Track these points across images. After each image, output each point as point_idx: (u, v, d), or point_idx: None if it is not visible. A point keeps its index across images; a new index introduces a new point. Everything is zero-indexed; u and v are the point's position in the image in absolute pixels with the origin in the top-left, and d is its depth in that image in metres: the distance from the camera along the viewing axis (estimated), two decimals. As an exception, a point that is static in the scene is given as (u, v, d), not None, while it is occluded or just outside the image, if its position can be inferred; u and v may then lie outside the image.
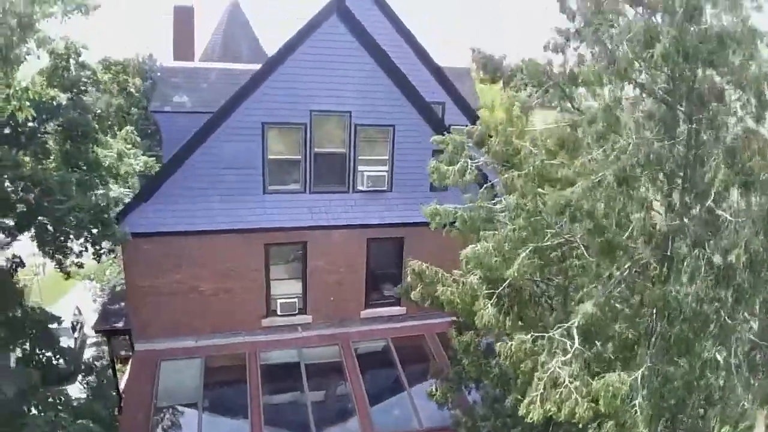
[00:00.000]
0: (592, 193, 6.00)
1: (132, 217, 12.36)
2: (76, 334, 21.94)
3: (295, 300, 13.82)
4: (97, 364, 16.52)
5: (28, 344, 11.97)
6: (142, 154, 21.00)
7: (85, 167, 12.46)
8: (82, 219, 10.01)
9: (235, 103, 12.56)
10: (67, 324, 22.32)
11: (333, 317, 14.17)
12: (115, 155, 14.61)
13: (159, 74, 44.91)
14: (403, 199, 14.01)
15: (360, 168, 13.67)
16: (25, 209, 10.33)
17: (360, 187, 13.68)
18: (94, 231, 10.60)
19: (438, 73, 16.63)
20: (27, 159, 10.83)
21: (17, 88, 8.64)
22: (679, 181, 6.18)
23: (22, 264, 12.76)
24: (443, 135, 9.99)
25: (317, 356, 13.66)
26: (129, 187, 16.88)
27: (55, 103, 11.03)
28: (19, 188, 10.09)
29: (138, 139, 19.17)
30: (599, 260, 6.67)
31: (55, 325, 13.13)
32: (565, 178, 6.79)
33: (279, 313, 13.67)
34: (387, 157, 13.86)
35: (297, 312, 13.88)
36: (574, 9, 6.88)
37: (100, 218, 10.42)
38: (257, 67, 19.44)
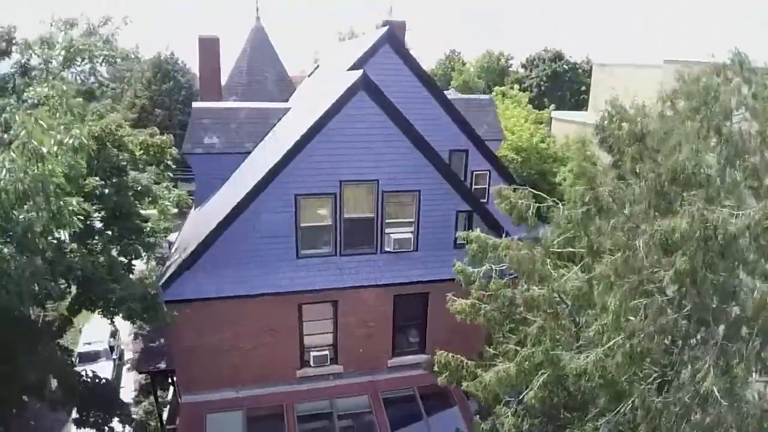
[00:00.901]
0: (603, 362, 6.69)
1: (176, 287, 13.32)
2: (113, 357, 23.34)
3: (327, 352, 14.77)
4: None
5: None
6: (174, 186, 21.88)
7: (129, 237, 13.35)
8: (134, 309, 10.96)
9: (269, 179, 13.24)
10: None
11: (362, 366, 15.13)
12: (157, 214, 15.46)
13: (182, 78, 45.17)
14: (428, 258, 14.73)
15: (387, 230, 14.39)
16: (77, 295, 11.25)
17: (387, 249, 14.43)
18: (144, 316, 11.52)
19: (462, 122, 17.10)
20: (74, 245, 11.58)
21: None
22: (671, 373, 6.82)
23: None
24: (468, 230, 10.62)
25: (349, 407, 14.69)
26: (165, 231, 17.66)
27: (98, 192, 11.74)
28: (70, 278, 10.90)
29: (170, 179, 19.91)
30: (607, 402, 7.40)
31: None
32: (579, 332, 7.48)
33: (312, 364, 14.65)
34: (413, 220, 14.54)
35: (329, 363, 14.85)
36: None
37: (151, 304, 11.35)
38: (284, 105, 20.21)
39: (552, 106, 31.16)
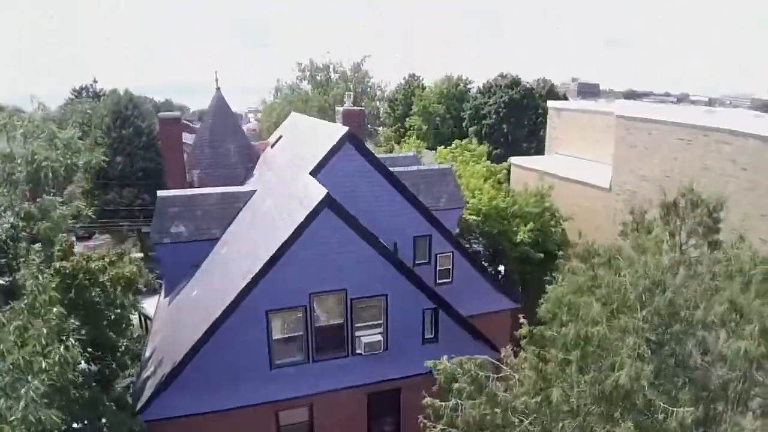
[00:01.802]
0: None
1: (155, 406, 13.55)
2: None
3: (306, 452, 15.16)
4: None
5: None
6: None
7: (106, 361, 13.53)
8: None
9: (240, 298, 13.59)
10: None
11: (341, 463, 15.56)
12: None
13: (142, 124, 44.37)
14: (398, 355, 15.29)
15: (357, 334, 14.90)
16: None
17: (359, 351, 14.91)
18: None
19: (423, 209, 17.75)
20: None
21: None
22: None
23: None
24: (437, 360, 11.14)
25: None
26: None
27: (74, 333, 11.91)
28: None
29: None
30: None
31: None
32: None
33: (292, 466, 15.02)
34: (381, 321, 15.07)
35: (308, 463, 15.23)
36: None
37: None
38: (249, 189, 20.52)
39: (510, 160, 32.09)
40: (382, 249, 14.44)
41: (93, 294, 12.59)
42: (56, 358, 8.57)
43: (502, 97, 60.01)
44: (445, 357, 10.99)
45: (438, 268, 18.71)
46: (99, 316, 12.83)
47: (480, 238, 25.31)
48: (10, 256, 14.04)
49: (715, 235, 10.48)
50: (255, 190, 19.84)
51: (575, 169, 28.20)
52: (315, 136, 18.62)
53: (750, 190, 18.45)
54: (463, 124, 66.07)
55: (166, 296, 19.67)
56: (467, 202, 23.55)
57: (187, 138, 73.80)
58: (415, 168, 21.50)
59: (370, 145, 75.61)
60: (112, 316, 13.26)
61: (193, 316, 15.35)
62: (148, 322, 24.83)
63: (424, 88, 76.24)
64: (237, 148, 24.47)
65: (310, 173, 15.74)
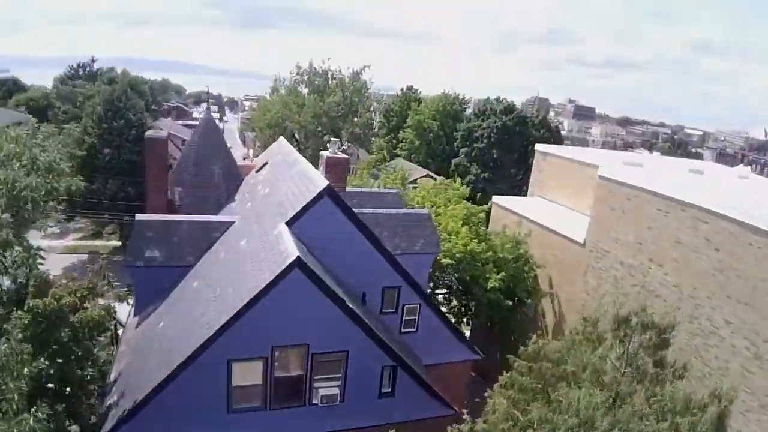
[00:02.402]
0: None
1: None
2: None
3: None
4: None
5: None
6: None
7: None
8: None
9: (204, 348, 13.94)
10: None
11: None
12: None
13: (133, 117, 44.11)
14: (355, 408, 15.76)
15: (316, 385, 15.33)
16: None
17: (315, 401, 15.35)
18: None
19: (394, 262, 18.19)
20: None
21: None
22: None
23: None
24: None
25: None
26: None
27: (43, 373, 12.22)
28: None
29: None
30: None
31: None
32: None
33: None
34: (340, 375, 15.52)
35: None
36: None
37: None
38: (226, 219, 20.84)
39: (492, 199, 32.60)
40: (347, 309, 14.85)
41: (62, 334, 12.90)
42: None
43: (495, 122, 60.64)
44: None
45: (404, 318, 19.18)
46: (67, 352, 13.14)
47: (452, 277, 25.85)
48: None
49: (664, 351, 11.01)
50: (233, 221, 20.17)
51: (554, 217, 28.81)
52: (297, 178, 18.97)
53: (719, 271, 19.07)
54: (455, 144, 66.63)
55: (135, 315, 19.96)
56: (444, 244, 24.07)
57: (183, 132, 73.67)
58: (394, 212, 21.91)
59: (362, 153, 75.90)
60: (80, 353, 13.56)
61: (157, 353, 15.69)
62: (119, 328, 25.04)
63: (420, 102, 76.67)
64: (222, 169, 24.79)
65: (287, 222, 16.13)
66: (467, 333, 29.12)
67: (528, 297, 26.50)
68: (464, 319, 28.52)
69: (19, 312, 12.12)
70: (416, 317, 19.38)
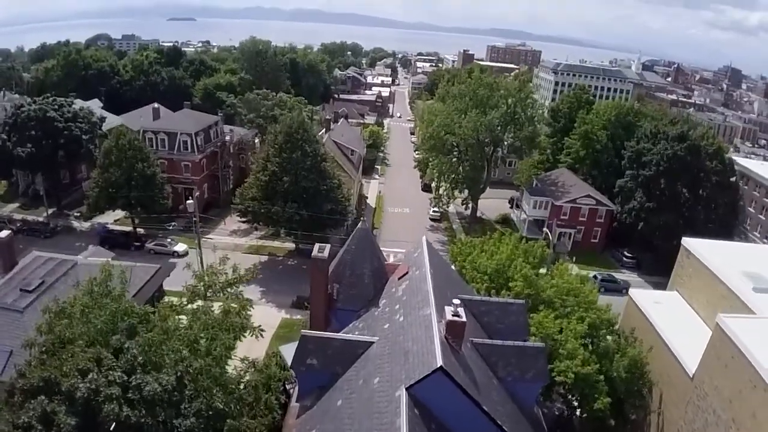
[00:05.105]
0: None
1: None
2: None
3: None
4: None
5: None
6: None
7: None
8: None
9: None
10: None
11: None
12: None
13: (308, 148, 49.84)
14: None
15: None
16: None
17: None
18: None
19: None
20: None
21: None
22: None
23: None
24: None
25: None
26: None
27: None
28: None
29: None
30: None
31: None
32: None
33: None
34: None
35: None
36: None
37: None
38: (367, 339, 25.38)
39: (630, 293, 33.15)
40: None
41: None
42: None
43: (666, 149, 57.63)
44: None
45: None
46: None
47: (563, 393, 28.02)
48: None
49: None
50: (373, 342, 24.65)
51: (682, 329, 29.06)
52: (424, 330, 22.41)
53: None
54: (622, 164, 64.37)
55: (297, 401, 25.68)
56: (556, 364, 26.36)
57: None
58: (510, 344, 24.65)
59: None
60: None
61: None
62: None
63: (589, 111, 74.05)
64: (371, 271, 29.30)
65: (407, 389, 19.98)
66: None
67: (634, 413, 27.69)
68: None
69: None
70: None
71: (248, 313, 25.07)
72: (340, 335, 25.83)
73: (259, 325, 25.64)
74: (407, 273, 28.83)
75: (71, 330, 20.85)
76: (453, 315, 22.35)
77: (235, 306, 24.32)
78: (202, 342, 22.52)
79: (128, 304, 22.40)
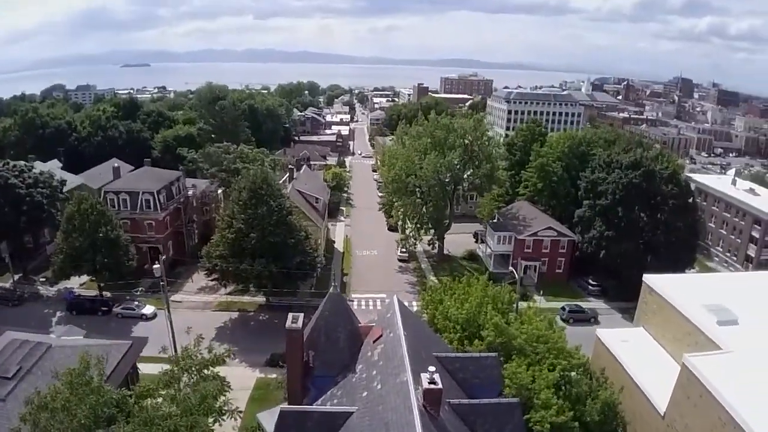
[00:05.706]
0: None
1: None
2: None
3: None
4: None
5: None
6: None
7: None
8: None
9: None
10: None
11: None
12: None
13: (273, 203, 49.57)
14: None
15: None
16: None
17: None
18: None
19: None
20: None
21: None
22: None
23: None
24: None
25: None
26: None
27: None
28: None
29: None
30: None
31: None
32: None
33: None
34: None
35: None
36: None
37: None
38: (345, 410, 25.38)
39: (596, 333, 34.15)
40: None
41: None
42: None
43: (621, 178, 59.73)
44: None
45: None
46: None
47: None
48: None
49: None
50: (352, 413, 24.78)
51: (651, 365, 30.06)
52: (402, 400, 22.78)
53: None
54: (579, 194, 66.36)
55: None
56: (533, 415, 26.97)
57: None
58: (486, 402, 25.15)
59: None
60: None
61: None
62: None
63: (543, 142, 76.30)
64: (346, 336, 29.52)
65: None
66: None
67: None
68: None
69: None
70: None
71: (226, 396, 24.95)
72: (319, 408, 25.88)
73: (237, 407, 25.48)
74: (381, 336, 29.17)
75: (54, 426, 20.65)
76: (429, 383, 22.76)
77: (212, 390, 24.18)
78: (182, 430, 22.30)
79: (108, 396, 22.15)
